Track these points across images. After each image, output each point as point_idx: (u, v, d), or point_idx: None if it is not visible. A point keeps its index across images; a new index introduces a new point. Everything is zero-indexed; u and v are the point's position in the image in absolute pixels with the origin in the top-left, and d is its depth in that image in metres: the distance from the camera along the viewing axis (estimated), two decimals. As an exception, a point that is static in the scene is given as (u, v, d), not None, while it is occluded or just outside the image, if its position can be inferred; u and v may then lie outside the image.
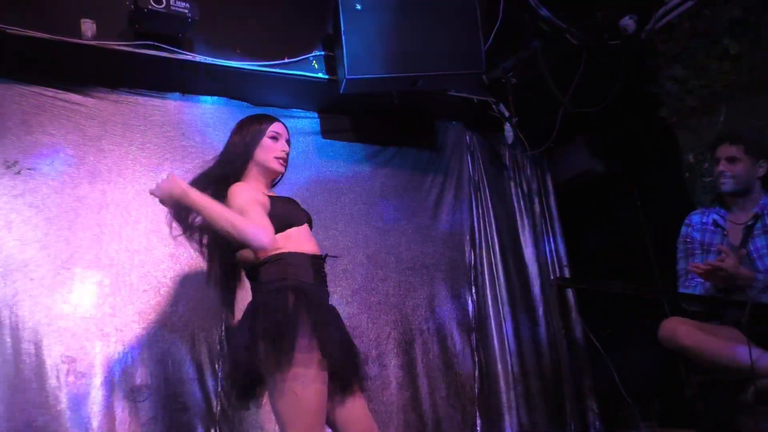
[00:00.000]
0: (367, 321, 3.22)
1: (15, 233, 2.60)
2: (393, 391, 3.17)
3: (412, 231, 3.51)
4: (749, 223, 2.45)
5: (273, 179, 2.31)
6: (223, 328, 2.87)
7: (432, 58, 3.05)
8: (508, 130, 3.67)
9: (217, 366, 2.81)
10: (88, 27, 2.67)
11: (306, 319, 1.92)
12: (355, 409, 2.05)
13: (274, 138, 2.25)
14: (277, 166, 2.24)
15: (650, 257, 3.56)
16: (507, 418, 3.35)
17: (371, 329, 3.23)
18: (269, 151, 2.22)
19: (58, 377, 2.52)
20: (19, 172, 2.64)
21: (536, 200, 3.97)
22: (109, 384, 2.59)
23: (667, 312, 3.05)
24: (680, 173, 3.11)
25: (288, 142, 2.31)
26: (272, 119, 2.30)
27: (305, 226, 2.22)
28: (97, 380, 2.57)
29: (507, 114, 3.65)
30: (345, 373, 2.01)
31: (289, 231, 2.12)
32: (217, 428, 2.74)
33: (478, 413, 3.34)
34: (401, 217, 3.50)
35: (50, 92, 2.79)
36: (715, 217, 2.55)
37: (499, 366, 3.46)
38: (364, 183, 3.45)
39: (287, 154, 2.28)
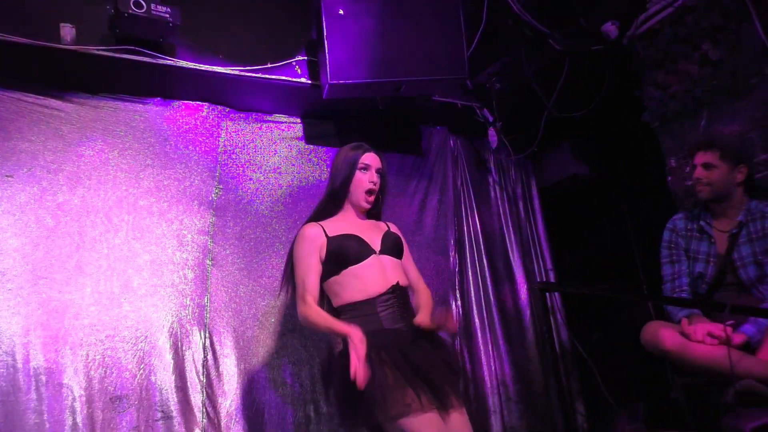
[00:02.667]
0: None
1: (-9, 241, 2.55)
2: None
3: (397, 236, 3.50)
4: (734, 231, 2.45)
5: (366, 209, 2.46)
6: (206, 335, 2.84)
7: (416, 63, 3.05)
8: (492, 135, 3.68)
9: (200, 373, 2.78)
10: (67, 32, 2.63)
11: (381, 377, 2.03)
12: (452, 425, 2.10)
13: (364, 169, 2.41)
14: (363, 203, 2.42)
15: (635, 260, 3.59)
16: (493, 421, 3.35)
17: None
18: (358, 185, 2.40)
19: (37, 389, 2.46)
20: (-4, 179, 2.60)
21: (521, 204, 3.98)
22: (89, 395, 2.54)
23: (652, 315, 3.07)
24: (663, 177, 3.13)
25: (378, 172, 2.44)
26: (363, 149, 2.46)
27: (368, 261, 2.27)
28: (77, 391, 2.52)
29: (491, 119, 3.66)
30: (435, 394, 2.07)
31: (346, 272, 2.25)
32: (201, 437, 2.71)
33: (464, 418, 3.32)
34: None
35: (29, 98, 2.74)
36: (702, 223, 2.54)
37: (485, 370, 3.45)
38: (348, 188, 3.43)
39: (376, 186, 2.42)
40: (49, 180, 2.71)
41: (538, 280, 3.79)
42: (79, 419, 2.49)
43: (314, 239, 2.31)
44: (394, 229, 2.53)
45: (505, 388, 3.46)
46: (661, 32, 3.03)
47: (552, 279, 3.85)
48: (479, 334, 3.50)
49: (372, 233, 2.37)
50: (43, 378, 2.47)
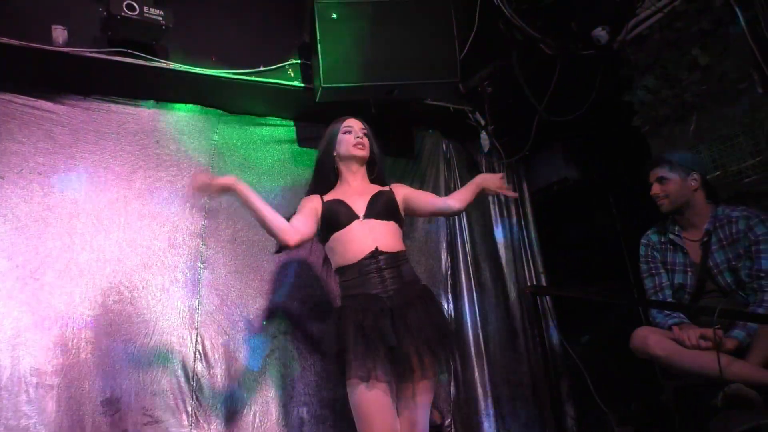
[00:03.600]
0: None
1: (-19, 242, 2.54)
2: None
3: (389, 239, 3.50)
4: (704, 240, 2.49)
5: (364, 167, 2.54)
6: (197, 338, 2.83)
7: (408, 67, 3.06)
8: (484, 138, 3.69)
9: (190, 376, 2.78)
10: (59, 33, 2.63)
11: (351, 339, 2.16)
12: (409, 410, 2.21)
13: (348, 132, 2.50)
14: (355, 151, 2.47)
15: (626, 264, 3.60)
16: (485, 424, 3.36)
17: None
18: (345, 143, 2.49)
19: (27, 391, 2.45)
20: (-14, 181, 2.59)
21: (512, 207, 3.99)
22: (79, 397, 2.53)
23: (642, 318, 3.09)
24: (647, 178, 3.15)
25: (362, 131, 2.53)
26: (345, 118, 2.57)
27: (352, 226, 2.34)
28: (67, 393, 2.52)
29: (483, 122, 3.68)
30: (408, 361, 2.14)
31: (334, 237, 2.36)
32: (191, 440, 2.70)
33: (453, 420, 3.33)
34: (378, 225, 3.49)
35: (20, 99, 2.74)
36: (670, 236, 2.60)
37: (476, 373, 3.46)
38: (341, 191, 3.43)
39: (365, 137, 2.51)
40: (40, 182, 2.71)
41: (529, 283, 3.81)
42: (69, 422, 2.49)
43: (312, 200, 2.47)
44: (392, 189, 2.53)
45: (495, 391, 3.47)
46: (650, 37, 3.06)
47: (543, 282, 3.87)
48: (471, 338, 3.50)
49: (360, 198, 2.41)
50: (33, 380, 2.46)
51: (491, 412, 3.42)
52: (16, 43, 2.55)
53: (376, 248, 2.29)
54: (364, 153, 2.49)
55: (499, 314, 3.67)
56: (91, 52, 2.69)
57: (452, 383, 3.38)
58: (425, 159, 3.78)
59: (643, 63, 3.12)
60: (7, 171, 2.64)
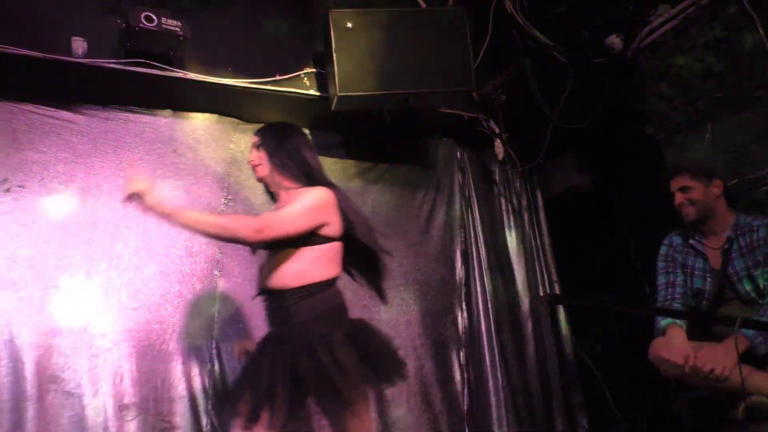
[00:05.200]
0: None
1: (4, 251, 2.59)
2: (386, 409, 3.16)
3: (403, 248, 3.51)
4: (725, 247, 2.47)
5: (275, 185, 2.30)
6: (214, 345, 2.86)
7: (423, 76, 3.07)
8: (498, 146, 3.70)
9: (207, 383, 2.80)
10: (78, 45, 2.68)
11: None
12: None
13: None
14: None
15: (639, 272, 3.58)
16: (500, 436, 3.35)
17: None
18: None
19: (45, 397, 2.49)
20: (8, 190, 2.64)
21: (526, 216, 3.99)
22: (98, 403, 2.57)
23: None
24: (667, 189, 3.14)
25: (255, 145, 2.30)
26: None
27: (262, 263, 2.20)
28: (86, 399, 2.56)
29: (497, 130, 3.69)
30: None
31: None
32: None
33: (468, 429, 3.33)
34: (393, 234, 3.49)
35: (41, 110, 2.80)
36: (692, 242, 2.58)
37: (490, 382, 3.45)
38: (355, 199, 3.37)
39: (254, 161, 2.29)
40: (60, 191, 2.77)
41: (543, 292, 3.79)
42: (87, 426, 2.53)
43: None
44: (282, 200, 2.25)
45: (509, 400, 3.46)
46: (664, 44, 3.05)
47: (557, 290, 3.85)
48: (486, 346, 3.50)
49: None
50: (52, 386, 2.50)
51: (505, 421, 3.41)
52: (38, 54, 2.60)
53: (264, 287, 2.14)
54: (258, 177, 2.30)
55: (512, 323, 3.66)
56: (109, 62, 2.74)
57: (465, 393, 3.37)
58: (440, 167, 3.79)
59: (657, 70, 3.11)
60: (28, 180, 2.69)
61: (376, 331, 2.22)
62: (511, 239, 3.90)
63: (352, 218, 2.22)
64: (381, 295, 2.41)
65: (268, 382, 1.93)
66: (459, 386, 3.38)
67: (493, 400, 3.40)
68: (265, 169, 2.26)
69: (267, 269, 2.14)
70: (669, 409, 2.61)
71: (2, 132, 2.70)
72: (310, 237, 2.09)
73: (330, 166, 3.46)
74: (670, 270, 2.61)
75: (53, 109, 2.82)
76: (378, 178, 3.60)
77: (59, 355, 2.56)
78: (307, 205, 2.08)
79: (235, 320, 2.96)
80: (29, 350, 2.53)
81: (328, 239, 2.12)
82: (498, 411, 3.39)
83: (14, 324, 2.53)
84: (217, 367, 2.84)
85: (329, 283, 2.12)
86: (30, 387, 2.48)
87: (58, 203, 2.74)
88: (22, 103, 2.77)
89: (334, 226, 2.14)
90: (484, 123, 3.73)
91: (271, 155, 2.26)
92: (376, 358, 2.06)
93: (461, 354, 3.45)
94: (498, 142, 3.70)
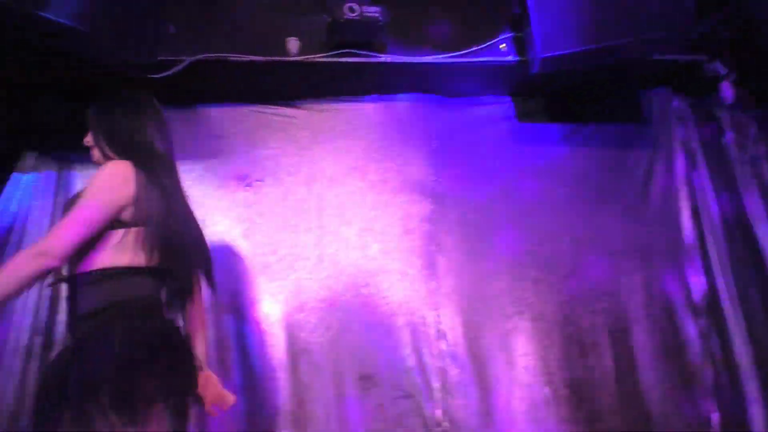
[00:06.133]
0: (576, 310, 3.07)
1: (251, 240, 2.92)
2: (610, 384, 2.98)
3: (620, 212, 3.26)
4: None
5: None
6: (439, 318, 2.94)
7: (631, 22, 2.79)
8: (726, 89, 3.26)
9: (434, 355, 2.90)
10: (293, 44, 2.88)
11: None
12: None
13: None
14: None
15: None
16: (753, 409, 2.98)
17: (582, 318, 3.06)
18: None
19: (298, 367, 2.78)
20: (249, 185, 2.96)
21: (765, 167, 3.47)
22: (340, 373, 2.81)
23: None
24: None
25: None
26: None
27: None
28: (330, 369, 2.81)
29: (723, 71, 3.25)
30: None
31: None
32: (440, 414, 2.82)
33: (713, 406, 3.02)
34: (607, 198, 3.28)
35: (269, 109, 3.10)
36: None
37: (736, 353, 3.09)
38: (564, 164, 3.30)
39: (90, 142, 2.01)
40: (290, 182, 3.04)
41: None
42: (331, 394, 2.77)
43: None
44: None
45: (762, 372, 3.06)
46: None
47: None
48: (727, 313, 3.13)
49: None
50: (303, 358, 2.80)
51: (757, 396, 3.03)
52: (260, 59, 2.85)
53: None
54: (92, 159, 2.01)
55: (760, 290, 3.22)
56: (320, 57, 2.91)
57: (709, 365, 3.06)
58: (656, 121, 3.45)
59: None
60: (264, 175, 2.99)
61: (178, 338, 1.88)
62: (748, 194, 3.42)
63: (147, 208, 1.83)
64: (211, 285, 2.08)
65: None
66: (699, 359, 3.07)
67: (744, 373, 3.03)
68: (95, 152, 1.98)
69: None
70: None
71: (239, 134, 3.04)
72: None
73: (534, 132, 3.35)
74: None
75: (278, 107, 3.11)
76: (587, 140, 3.38)
77: (306, 328, 2.84)
78: (91, 193, 1.79)
79: (455, 293, 3.00)
80: (280, 325, 2.84)
81: (123, 224, 1.82)
82: (750, 385, 3.02)
83: (268, 302, 2.86)
84: (442, 339, 2.91)
85: (131, 272, 1.81)
86: (286, 354, 2.80)
87: (290, 193, 3.01)
88: (253, 105, 3.09)
89: (129, 208, 1.82)
90: (706, 65, 3.31)
91: (94, 132, 1.98)
92: (164, 365, 1.71)
93: (699, 322, 3.13)
94: (725, 85, 3.26)
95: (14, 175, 2.88)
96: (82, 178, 2.91)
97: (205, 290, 2.08)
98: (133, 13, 2.50)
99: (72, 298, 1.82)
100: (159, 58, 2.72)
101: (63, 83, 2.82)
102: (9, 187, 2.87)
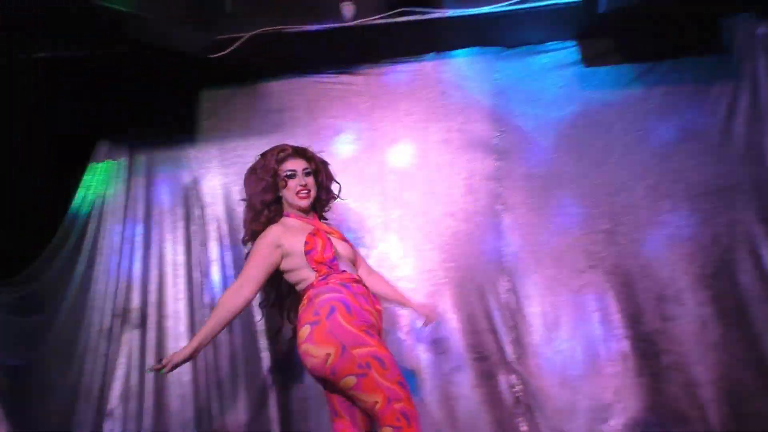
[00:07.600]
0: (658, 258, 2.97)
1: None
2: (697, 330, 2.89)
3: (700, 151, 3.06)
4: None
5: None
6: (509, 278, 2.95)
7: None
8: (819, 12, 2.95)
9: (507, 316, 2.93)
10: (348, 9, 2.83)
11: None
12: None
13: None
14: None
15: None
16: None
17: (664, 266, 2.96)
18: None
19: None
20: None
21: None
22: (416, 337, 2.90)
23: None
24: None
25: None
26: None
27: None
28: (404, 336, 2.91)
29: (818, -11, 2.93)
30: None
31: None
32: (513, 375, 2.87)
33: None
34: (686, 138, 3.08)
35: (326, 78, 3.11)
36: None
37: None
38: (637, 107, 3.11)
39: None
40: (351, 149, 3.07)
41: None
42: (407, 360, 2.86)
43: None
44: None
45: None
46: None
47: None
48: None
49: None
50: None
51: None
52: (316, 27, 2.82)
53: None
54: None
55: None
56: (376, 19, 2.84)
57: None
58: (739, 50, 3.16)
59: None
60: (326, 144, 2.98)
61: None
62: None
63: None
64: None
65: None
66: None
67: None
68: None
69: None
70: None
71: (299, 105, 3.08)
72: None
73: (603, 75, 3.16)
74: None
75: (335, 75, 3.11)
76: (661, 78, 3.15)
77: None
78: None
79: (523, 251, 2.98)
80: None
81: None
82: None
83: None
84: (513, 298, 2.93)
85: None
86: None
87: (351, 161, 3.03)
88: (311, 75, 3.10)
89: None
90: (797, -17, 2.99)
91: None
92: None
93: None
94: (822, 3, 2.94)
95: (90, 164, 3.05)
96: (151, 165, 3.08)
97: None
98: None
99: None
100: (217, 37, 2.76)
101: (128, 70, 2.91)
102: (86, 176, 3.06)
